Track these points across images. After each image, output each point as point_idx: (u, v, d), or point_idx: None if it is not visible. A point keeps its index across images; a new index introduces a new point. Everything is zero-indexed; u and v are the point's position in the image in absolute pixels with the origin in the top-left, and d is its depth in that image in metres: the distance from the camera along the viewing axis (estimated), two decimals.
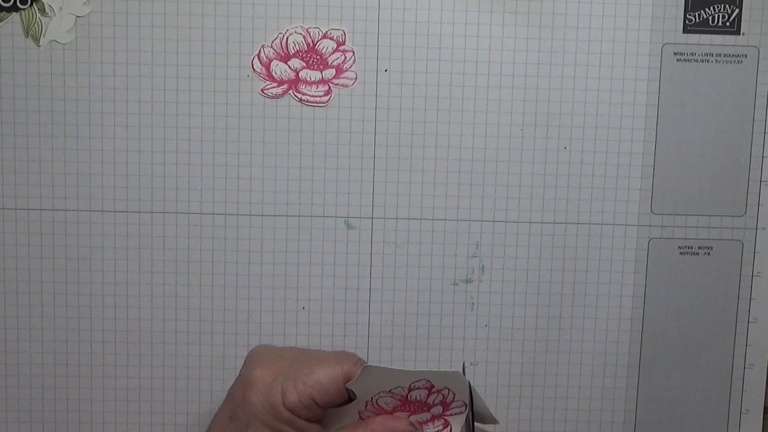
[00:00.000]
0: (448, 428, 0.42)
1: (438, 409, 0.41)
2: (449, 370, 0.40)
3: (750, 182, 0.52)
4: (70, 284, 0.52)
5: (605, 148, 0.52)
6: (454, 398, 0.41)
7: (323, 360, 0.40)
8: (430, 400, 0.41)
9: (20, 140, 0.51)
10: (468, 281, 0.52)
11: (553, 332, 0.53)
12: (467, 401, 0.41)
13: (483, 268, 0.52)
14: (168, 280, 0.52)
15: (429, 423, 0.42)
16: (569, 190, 0.52)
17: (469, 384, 0.41)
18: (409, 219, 0.52)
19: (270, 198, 0.51)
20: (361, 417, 0.41)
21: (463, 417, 0.42)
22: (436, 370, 0.40)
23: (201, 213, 0.51)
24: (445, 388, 0.41)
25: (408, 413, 0.41)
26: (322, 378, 0.40)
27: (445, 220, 0.52)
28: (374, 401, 0.40)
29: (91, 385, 0.52)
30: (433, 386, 0.41)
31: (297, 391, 0.39)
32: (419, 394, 0.41)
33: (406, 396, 0.40)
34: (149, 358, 0.52)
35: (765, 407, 0.54)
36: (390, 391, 0.40)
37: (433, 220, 0.52)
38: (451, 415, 0.42)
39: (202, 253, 0.52)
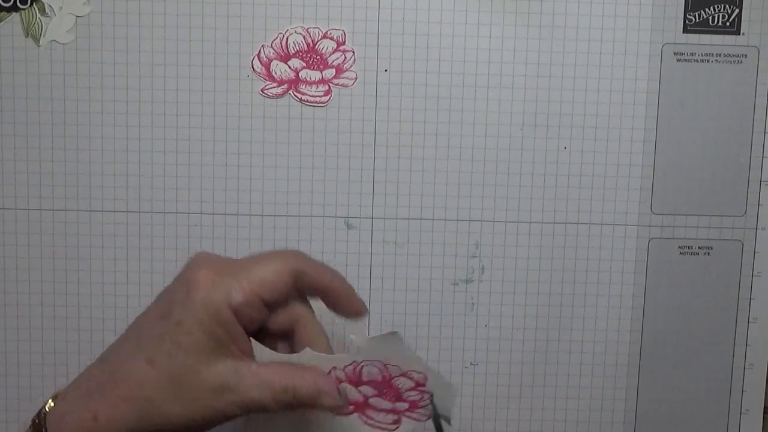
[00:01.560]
0: (398, 426, 0.41)
1: (403, 406, 0.41)
2: (450, 383, 0.40)
3: (750, 182, 0.52)
4: (70, 284, 0.52)
5: (605, 148, 0.51)
6: (427, 404, 0.41)
7: (268, 257, 0.39)
8: (407, 395, 0.41)
9: (20, 140, 0.51)
10: (468, 281, 0.52)
11: (553, 332, 0.53)
12: (435, 413, 0.41)
13: (483, 268, 0.52)
14: (168, 280, 0.52)
15: (383, 412, 0.41)
16: (569, 190, 0.52)
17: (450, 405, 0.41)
18: (409, 219, 0.52)
19: (270, 198, 0.51)
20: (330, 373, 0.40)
21: (419, 426, 0.42)
22: (441, 375, 0.40)
23: (201, 213, 0.51)
24: (430, 393, 0.40)
25: (375, 392, 0.41)
26: (268, 275, 0.38)
27: (445, 220, 0.52)
28: (359, 368, 0.40)
29: None
30: (423, 384, 0.40)
31: (243, 290, 0.37)
32: (404, 384, 0.40)
33: (392, 378, 0.40)
34: None
35: (765, 407, 0.54)
36: (385, 365, 0.40)
37: (433, 220, 0.52)
38: (410, 417, 0.42)
39: None
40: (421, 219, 0.52)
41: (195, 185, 0.51)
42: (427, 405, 0.41)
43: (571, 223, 0.52)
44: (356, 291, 0.42)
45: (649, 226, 0.52)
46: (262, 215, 0.51)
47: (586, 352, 0.53)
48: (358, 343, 0.39)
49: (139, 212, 0.51)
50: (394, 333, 0.39)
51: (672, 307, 0.53)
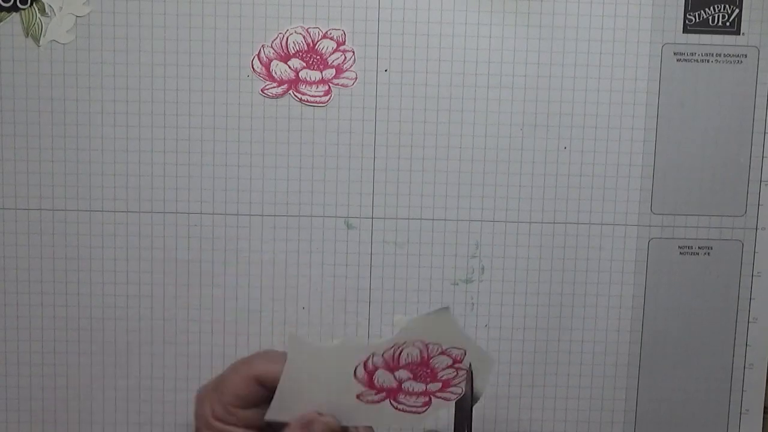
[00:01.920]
0: (427, 407, 0.42)
1: (436, 386, 0.41)
2: (489, 358, 0.40)
3: (750, 182, 0.52)
4: (70, 284, 0.52)
5: (605, 148, 0.52)
6: (461, 382, 0.41)
7: (235, 368, 0.42)
8: (441, 374, 0.41)
9: (20, 140, 0.51)
10: (468, 281, 0.52)
11: (553, 332, 0.53)
12: (470, 389, 0.41)
13: (483, 268, 0.52)
14: (168, 280, 0.52)
15: (414, 396, 0.41)
16: (569, 190, 0.52)
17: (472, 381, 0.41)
18: (409, 219, 0.52)
19: (270, 198, 0.51)
20: (365, 368, 0.40)
21: (449, 405, 0.41)
22: (480, 349, 0.40)
23: (201, 213, 0.51)
24: (467, 371, 0.40)
25: (410, 376, 0.41)
26: (236, 385, 0.41)
27: (445, 220, 0.52)
28: (398, 352, 0.40)
29: (91, 385, 0.52)
30: (459, 361, 0.40)
31: (220, 402, 0.41)
32: (441, 362, 0.40)
33: (430, 358, 0.40)
34: (149, 358, 0.52)
35: (765, 407, 0.54)
36: (426, 344, 0.40)
37: (433, 220, 0.52)
38: (439, 398, 0.41)
39: (202, 253, 0.52)
40: (421, 219, 0.52)
41: (195, 185, 0.51)
42: (460, 383, 0.41)
43: (571, 223, 0.52)
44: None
45: (649, 226, 0.52)
46: (262, 215, 0.52)
47: (586, 352, 0.53)
48: (401, 325, 0.39)
49: (139, 212, 0.51)
50: (443, 309, 0.39)
51: (672, 307, 0.53)
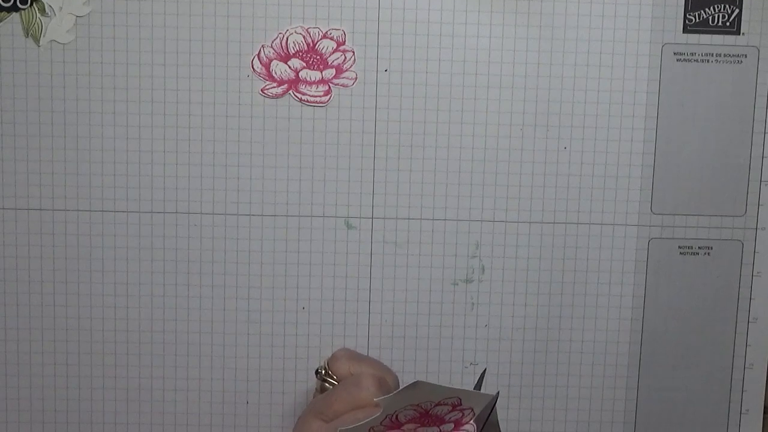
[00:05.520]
0: None
1: (449, 426, 0.41)
2: (487, 393, 0.40)
3: (750, 182, 0.52)
4: (70, 284, 0.52)
5: (605, 148, 0.52)
6: (471, 419, 0.41)
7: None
8: (448, 416, 0.41)
9: (20, 140, 0.51)
10: (468, 281, 0.52)
11: (553, 332, 0.53)
12: (481, 423, 0.41)
13: (483, 268, 0.52)
14: (168, 280, 0.52)
15: None
16: (569, 190, 0.52)
17: (494, 408, 0.41)
18: (409, 219, 0.52)
19: (270, 198, 0.51)
20: None
21: None
22: (474, 390, 0.40)
23: (201, 213, 0.51)
24: (470, 408, 0.41)
25: (417, 425, 0.41)
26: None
27: (445, 220, 0.52)
28: (395, 416, 0.40)
29: (91, 385, 0.52)
30: (459, 404, 0.41)
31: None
32: (442, 410, 0.41)
33: (427, 411, 0.40)
34: (149, 358, 0.52)
35: (765, 407, 0.54)
36: (418, 404, 0.40)
37: (433, 220, 0.52)
38: None
39: (202, 253, 0.52)
40: (421, 219, 0.52)
41: (195, 185, 0.51)
42: (471, 419, 0.41)
43: (571, 223, 0.52)
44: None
45: (649, 226, 0.52)
46: (262, 215, 0.51)
47: (586, 352, 0.53)
48: (384, 404, 0.39)
49: (139, 212, 0.51)
50: (416, 382, 0.39)
51: (672, 307, 0.53)
